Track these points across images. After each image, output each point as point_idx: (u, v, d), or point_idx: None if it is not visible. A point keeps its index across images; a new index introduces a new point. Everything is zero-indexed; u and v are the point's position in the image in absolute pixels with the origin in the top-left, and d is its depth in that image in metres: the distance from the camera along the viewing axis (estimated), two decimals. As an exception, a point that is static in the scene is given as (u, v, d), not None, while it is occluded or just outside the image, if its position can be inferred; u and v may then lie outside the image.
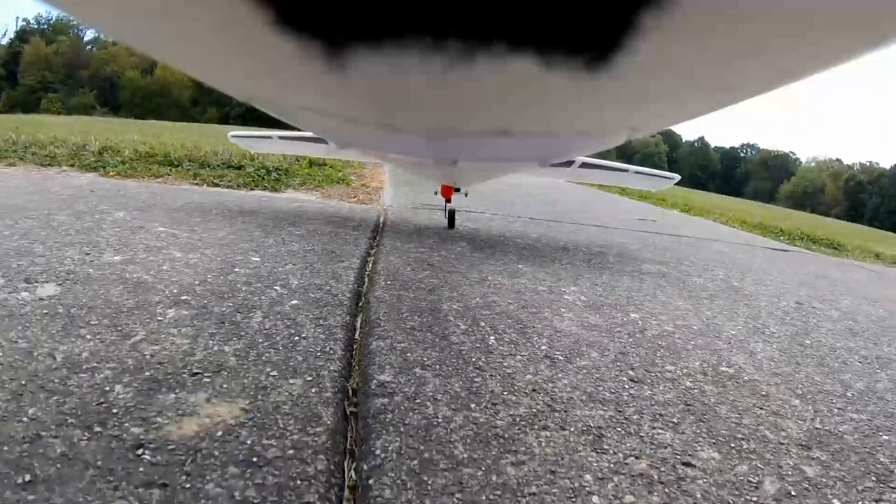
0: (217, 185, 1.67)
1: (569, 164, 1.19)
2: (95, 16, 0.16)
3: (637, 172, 1.33)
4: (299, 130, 1.14)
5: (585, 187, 3.61)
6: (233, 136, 1.49)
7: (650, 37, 0.12)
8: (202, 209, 1.20)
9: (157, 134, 4.16)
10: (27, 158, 1.74)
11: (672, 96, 0.18)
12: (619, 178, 1.39)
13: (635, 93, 0.17)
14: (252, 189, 1.68)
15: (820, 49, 0.14)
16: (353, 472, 0.37)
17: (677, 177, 1.42)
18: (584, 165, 1.22)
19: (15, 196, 1.13)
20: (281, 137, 1.35)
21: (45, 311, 0.58)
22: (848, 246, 2.70)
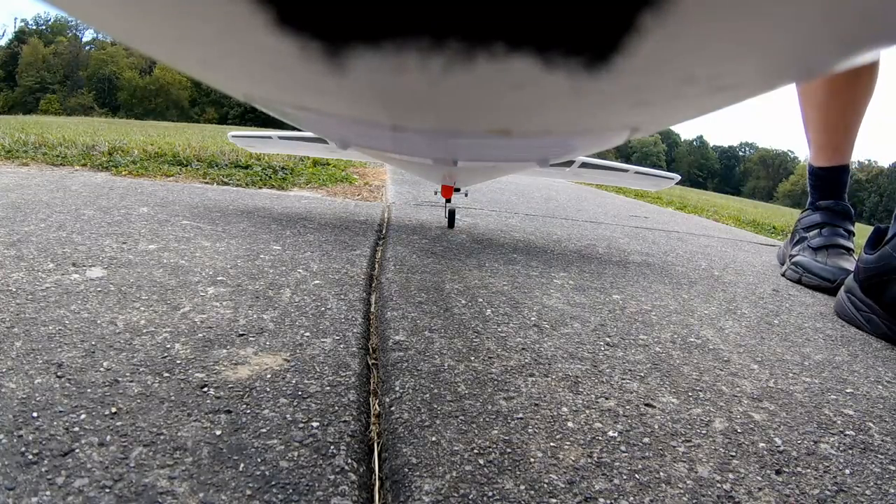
0: (226, 183, 1.74)
1: (569, 164, 1.18)
2: (93, 15, 0.16)
3: (637, 172, 1.30)
4: (299, 130, 1.11)
5: (580, 185, 3.68)
6: (232, 136, 1.49)
7: (651, 37, 0.12)
8: (219, 205, 1.28)
9: (161, 134, 4.23)
10: (38, 158, 1.80)
11: (673, 96, 0.18)
12: (620, 178, 1.35)
13: (636, 93, 0.17)
14: (260, 188, 1.75)
15: (821, 50, 0.14)
16: (377, 405, 0.46)
17: (678, 177, 1.40)
18: (584, 165, 1.21)
19: (40, 193, 1.20)
20: (281, 137, 1.33)
21: (98, 289, 0.67)
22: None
